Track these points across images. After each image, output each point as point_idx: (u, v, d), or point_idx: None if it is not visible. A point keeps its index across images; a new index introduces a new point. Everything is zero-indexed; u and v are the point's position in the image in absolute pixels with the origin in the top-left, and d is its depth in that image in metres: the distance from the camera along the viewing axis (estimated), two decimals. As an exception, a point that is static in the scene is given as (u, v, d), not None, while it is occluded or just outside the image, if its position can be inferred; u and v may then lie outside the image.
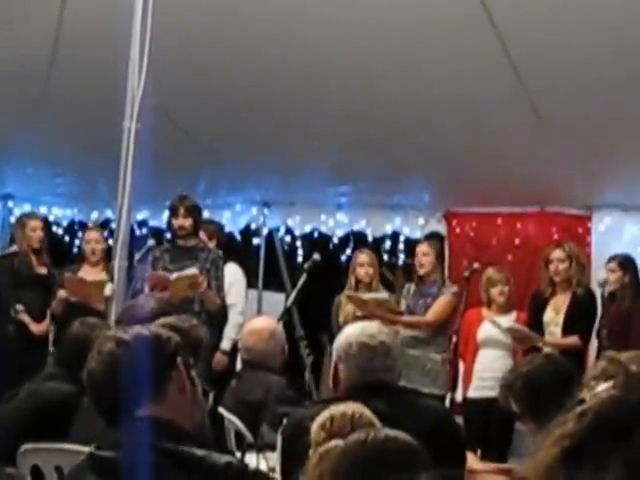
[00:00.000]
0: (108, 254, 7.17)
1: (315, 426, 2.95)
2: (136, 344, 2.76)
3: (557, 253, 7.58)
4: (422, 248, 8.06)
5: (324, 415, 2.98)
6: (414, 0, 6.41)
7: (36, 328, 8.14)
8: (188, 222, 7.47)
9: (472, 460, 4.20)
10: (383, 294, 7.95)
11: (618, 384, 1.47)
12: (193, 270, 7.22)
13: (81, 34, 6.89)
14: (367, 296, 7.81)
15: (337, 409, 2.99)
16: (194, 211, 7.54)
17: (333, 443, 2.32)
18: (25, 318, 8.12)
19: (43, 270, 8.35)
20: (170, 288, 7.03)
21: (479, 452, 6.73)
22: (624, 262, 7.62)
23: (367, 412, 3.00)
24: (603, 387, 1.70)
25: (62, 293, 7.80)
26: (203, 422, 4.00)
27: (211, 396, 5.53)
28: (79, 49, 7.09)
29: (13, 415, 4.59)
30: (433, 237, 8.95)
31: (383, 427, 2.53)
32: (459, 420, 6.76)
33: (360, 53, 6.94)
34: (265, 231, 9.91)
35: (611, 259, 7.67)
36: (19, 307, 8.11)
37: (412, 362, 7.55)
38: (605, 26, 6.30)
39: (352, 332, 3.99)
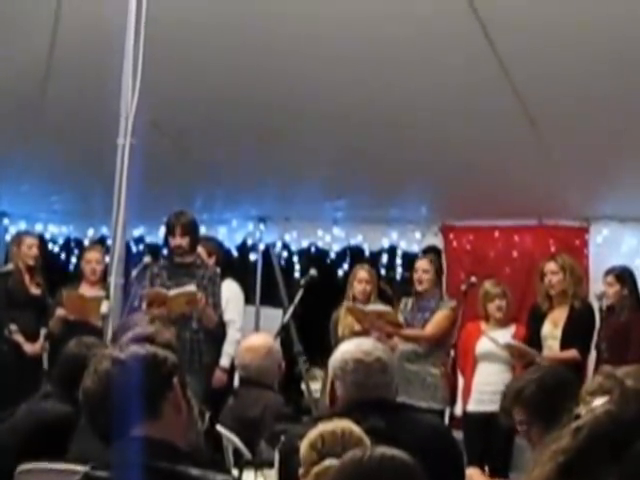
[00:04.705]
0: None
1: (305, 445, 2.93)
2: (132, 363, 2.75)
3: (550, 266, 7.57)
4: (422, 265, 8.01)
5: (313, 434, 2.95)
6: (409, 14, 6.41)
7: (30, 348, 8.11)
8: (185, 241, 7.37)
9: (476, 476, 4.18)
10: (384, 306, 7.92)
11: (614, 399, 1.46)
12: (191, 287, 7.19)
13: (74, 52, 6.89)
14: (368, 308, 7.79)
15: (326, 427, 2.96)
16: (191, 228, 7.45)
17: (327, 462, 2.30)
18: (19, 338, 8.10)
19: (36, 291, 8.32)
20: (167, 305, 7.01)
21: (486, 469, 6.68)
22: (621, 275, 7.58)
23: (356, 429, 2.98)
24: (599, 402, 1.69)
25: (61, 311, 7.75)
26: (198, 442, 3.99)
27: (207, 416, 5.50)
28: (73, 67, 7.09)
29: (10, 434, 4.56)
30: (431, 252, 8.92)
31: (377, 444, 2.51)
32: (458, 435, 6.74)
33: (355, 67, 6.93)
34: (262, 247, 9.89)
35: (608, 272, 7.64)
36: (13, 327, 8.08)
37: (412, 377, 7.53)
38: (603, 38, 6.28)
39: (347, 349, 3.96)
